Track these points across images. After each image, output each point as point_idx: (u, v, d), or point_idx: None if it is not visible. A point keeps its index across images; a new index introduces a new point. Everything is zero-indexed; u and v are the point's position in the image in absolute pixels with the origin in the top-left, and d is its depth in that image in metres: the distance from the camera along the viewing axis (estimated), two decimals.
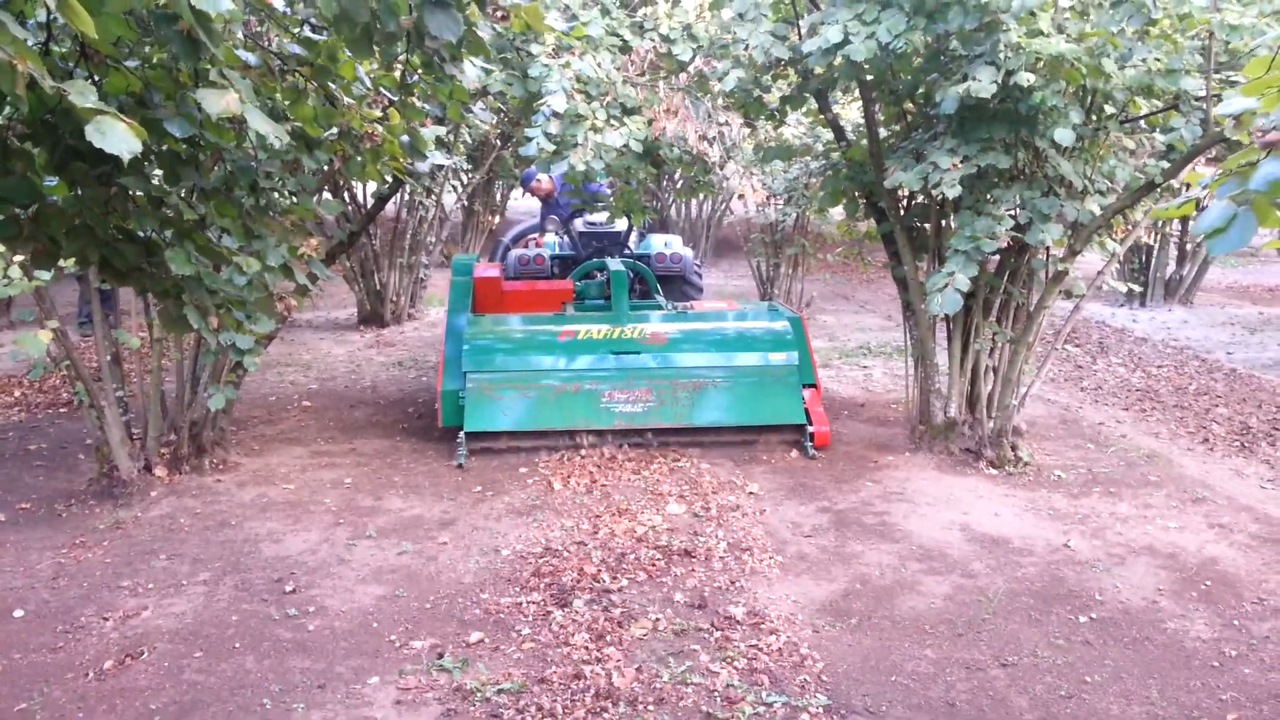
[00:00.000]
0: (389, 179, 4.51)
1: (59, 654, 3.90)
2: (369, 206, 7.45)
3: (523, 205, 21.73)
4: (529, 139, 4.63)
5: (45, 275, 4.81)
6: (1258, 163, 1.65)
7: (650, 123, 5.01)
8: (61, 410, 7.67)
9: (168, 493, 5.65)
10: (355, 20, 2.31)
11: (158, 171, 2.89)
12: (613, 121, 4.78)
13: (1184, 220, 12.26)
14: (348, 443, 6.71)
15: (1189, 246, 12.37)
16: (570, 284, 7.99)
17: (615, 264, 7.64)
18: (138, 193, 2.62)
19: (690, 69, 5.32)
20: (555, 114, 4.53)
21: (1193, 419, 7.31)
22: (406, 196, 11.17)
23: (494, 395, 6.31)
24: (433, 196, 11.55)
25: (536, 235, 9.79)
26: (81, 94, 1.78)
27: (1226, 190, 1.72)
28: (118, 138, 1.78)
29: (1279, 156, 1.64)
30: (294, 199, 3.74)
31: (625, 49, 5.35)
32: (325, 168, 3.81)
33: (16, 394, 8.11)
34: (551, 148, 4.72)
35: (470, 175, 13.14)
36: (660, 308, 7.57)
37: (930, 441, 6.35)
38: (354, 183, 10.29)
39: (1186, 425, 7.16)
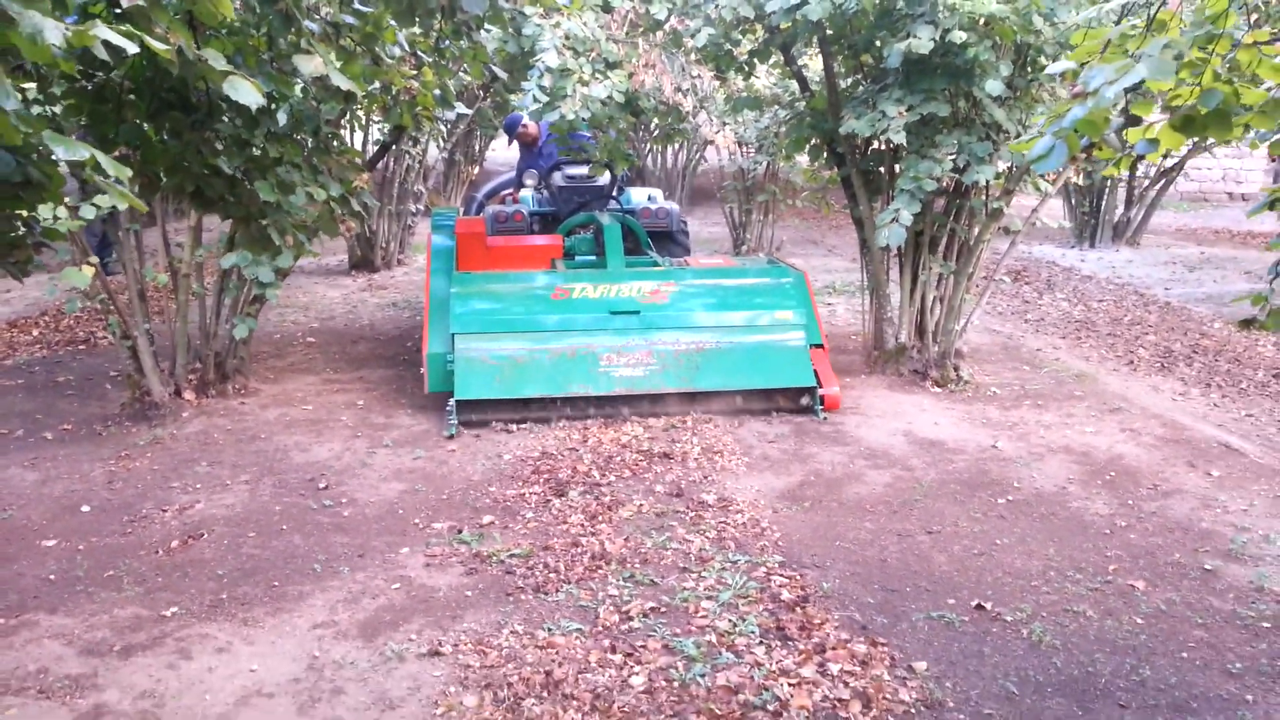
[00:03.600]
0: (410, 126, 5.07)
1: (129, 537, 4.57)
2: (371, 154, 7.98)
3: (501, 156, 22.17)
4: (524, 91, 5.25)
5: (88, 215, 5.38)
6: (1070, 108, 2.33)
7: (630, 76, 5.62)
8: (80, 347, 8.25)
9: (198, 414, 6.28)
10: None
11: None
12: (597, 75, 5.40)
13: (1132, 165, 13.01)
14: (354, 372, 7.34)
15: (1136, 191, 13.11)
16: (559, 239, 7.64)
17: (607, 218, 7.38)
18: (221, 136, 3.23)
19: (666, 27, 5.91)
20: (548, 69, 5.13)
21: (1122, 345, 8.08)
22: (395, 147, 11.68)
23: (485, 359, 5.98)
24: (418, 147, 12.06)
25: (511, 190, 9.32)
26: (215, 59, 2.38)
27: (1053, 129, 2.40)
28: (246, 92, 2.39)
29: (1083, 104, 2.31)
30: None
31: (607, 8, 5.94)
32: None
33: (34, 333, 8.68)
34: (545, 99, 5.34)
35: (452, 126, 13.64)
36: (656, 264, 7.23)
37: (883, 365, 7.07)
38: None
39: (1116, 350, 7.93)
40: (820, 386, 6.12)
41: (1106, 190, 12.90)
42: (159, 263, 6.99)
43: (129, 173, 2.11)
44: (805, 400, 6.13)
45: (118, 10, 2.82)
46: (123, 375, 6.80)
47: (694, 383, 6.06)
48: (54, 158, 1.95)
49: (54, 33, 1.75)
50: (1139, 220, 13.13)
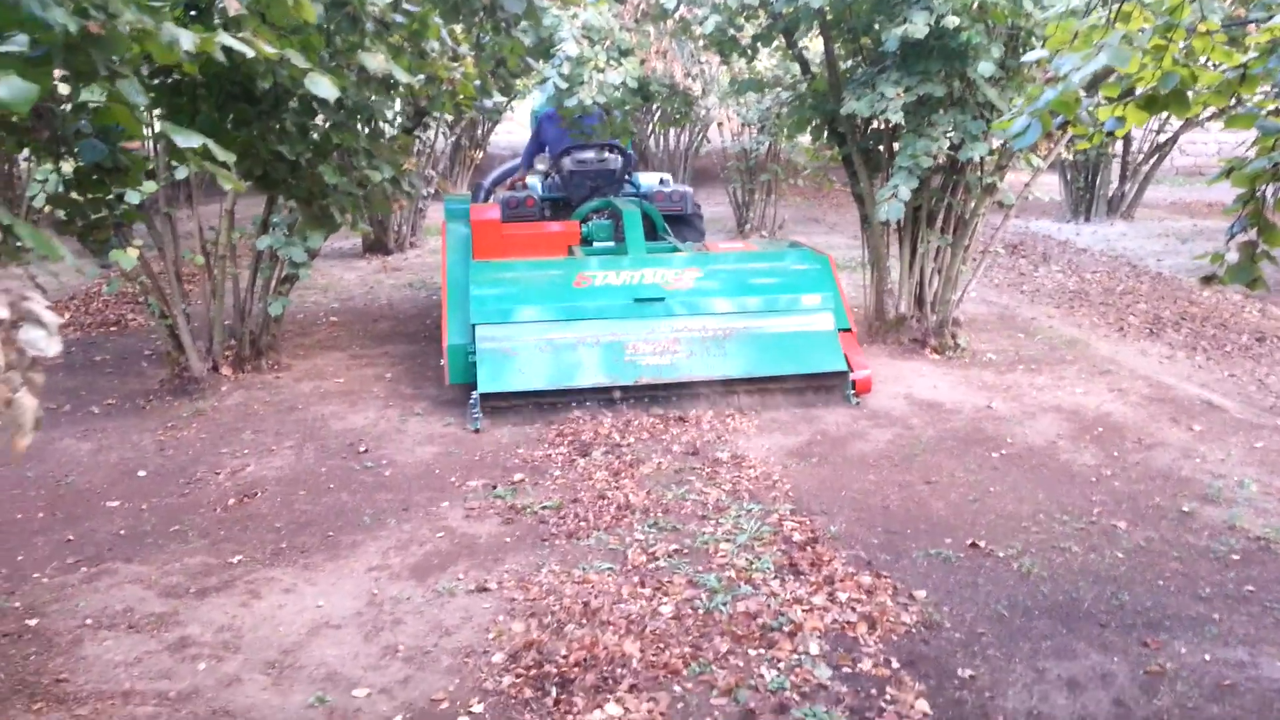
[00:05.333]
0: (451, 114, 5.37)
1: (187, 497, 4.94)
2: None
3: (504, 140, 22.47)
4: (546, 79, 5.58)
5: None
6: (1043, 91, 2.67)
7: (642, 63, 5.95)
8: (112, 329, 8.61)
9: (236, 387, 6.64)
10: None
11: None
12: (612, 62, 5.73)
13: (1126, 140, 13.33)
14: (379, 348, 7.70)
15: (1130, 166, 13.42)
16: (575, 225, 7.52)
17: (626, 203, 7.28)
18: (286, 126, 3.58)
19: (675, 15, 6.24)
20: (569, 58, 5.47)
21: (1113, 313, 8.44)
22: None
23: (508, 350, 5.85)
24: (428, 132, 12.37)
25: (518, 176, 9.12)
26: (296, 58, 2.72)
27: (1030, 109, 2.74)
28: (324, 87, 2.73)
29: (1054, 88, 2.65)
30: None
31: None
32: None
33: (66, 316, 9.03)
34: (565, 85, 5.67)
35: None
36: (677, 249, 7.07)
37: (884, 334, 7.43)
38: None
39: (1107, 318, 8.28)
40: (851, 371, 6.05)
41: (1101, 166, 13.21)
42: (194, 245, 7.34)
43: (234, 157, 2.46)
44: (839, 387, 6.05)
45: (193, 11, 3.18)
46: (158, 354, 7.16)
47: (723, 370, 5.94)
48: (177, 144, 2.28)
49: (187, 40, 2.09)
50: (1133, 194, 13.45)
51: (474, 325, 5.92)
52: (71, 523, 4.66)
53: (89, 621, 3.73)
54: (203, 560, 4.22)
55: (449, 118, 13.98)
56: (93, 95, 2.89)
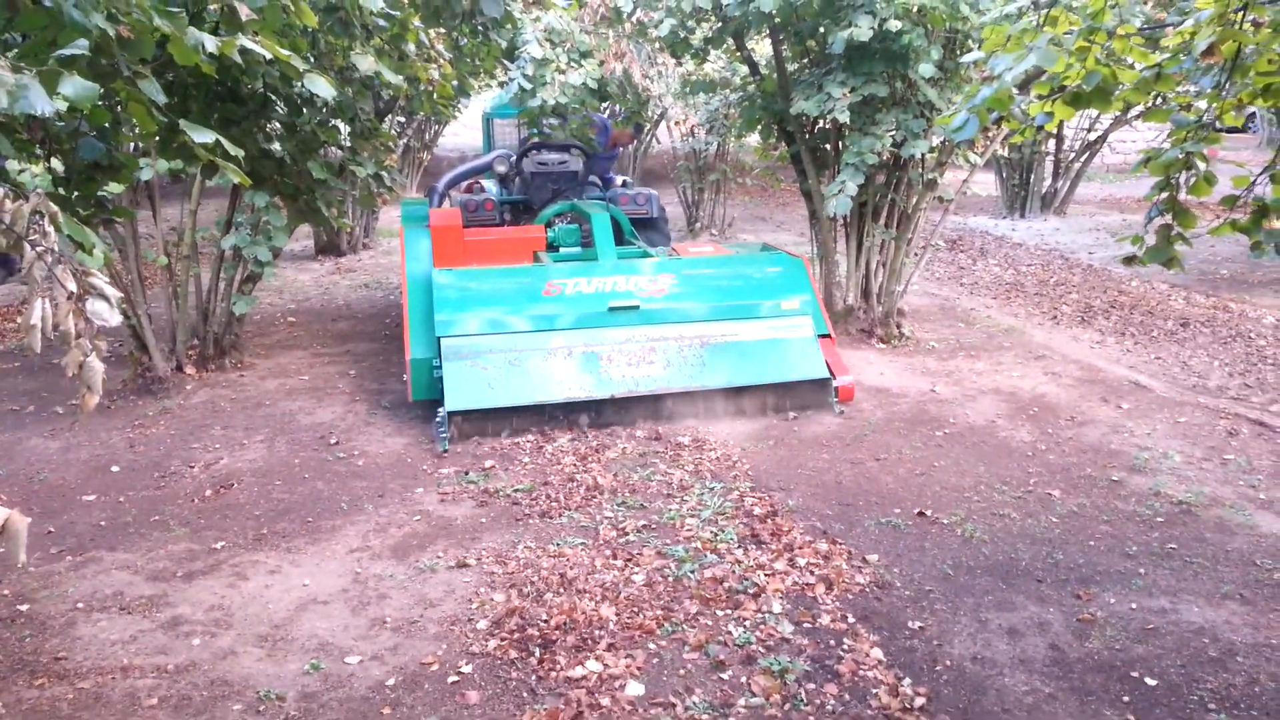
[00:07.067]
0: (431, 113, 5.47)
1: (164, 489, 5.05)
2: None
3: (451, 142, 22.51)
4: (510, 80, 5.78)
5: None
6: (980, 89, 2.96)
7: (601, 64, 6.18)
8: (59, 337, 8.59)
9: (201, 386, 6.73)
10: (432, 4, 3.42)
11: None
12: (573, 64, 5.95)
13: (1058, 139, 13.88)
14: (340, 347, 7.82)
15: (1063, 164, 13.97)
16: (540, 230, 7.26)
17: (593, 206, 7.06)
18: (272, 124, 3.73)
19: (631, 19, 6.48)
20: (532, 59, 5.67)
21: (1047, 303, 8.86)
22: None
23: (477, 365, 5.55)
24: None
25: (474, 179, 8.89)
26: (298, 60, 2.89)
27: (968, 106, 3.02)
28: (322, 86, 2.91)
29: (990, 86, 2.93)
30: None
31: (580, 3, 6.50)
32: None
33: (18, 321, 8.99)
34: (530, 87, 5.88)
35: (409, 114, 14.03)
36: (647, 255, 6.81)
37: (833, 325, 7.72)
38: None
39: (1042, 307, 8.70)
40: (834, 378, 5.92)
41: (1035, 164, 13.73)
42: (154, 246, 7.41)
43: (242, 153, 2.63)
44: (822, 394, 5.88)
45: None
46: (117, 355, 7.20)
47: (702, 381, 5.71)
48: (194, 140, 2.44)
49: (211, 43, 2.26)
50: (1065, 191, 14.00)
51: (439, 338, 5.63)
52: (50, 516, 4.75)
53: (80, 605, 3.85)
54: (186, 547, 4.36)
55: (401, 119, 14.09)
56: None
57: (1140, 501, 4.64)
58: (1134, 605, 3.71)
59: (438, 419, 5.49)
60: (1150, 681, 3.23)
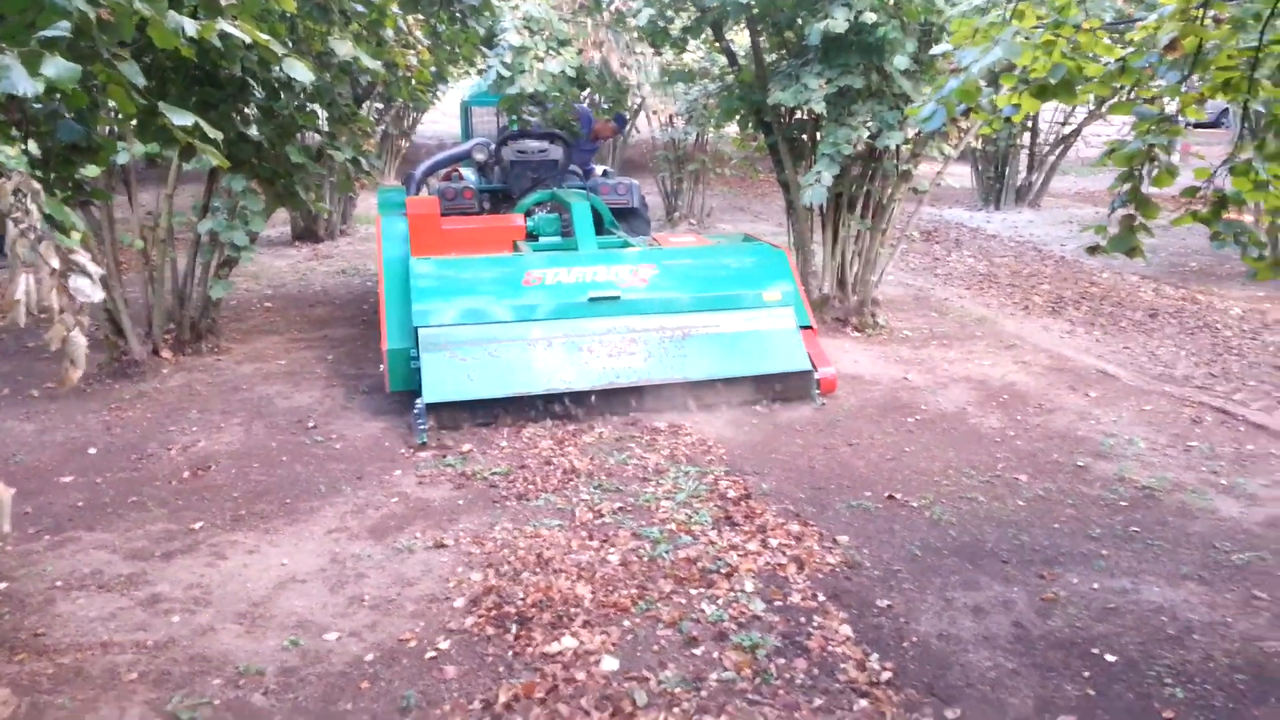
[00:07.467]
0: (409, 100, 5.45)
1: (141, 471, 5.07)
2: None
3: (429, 130, 22.45)
4: (489, 68, 5.81)
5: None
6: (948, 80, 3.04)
7: (579, 52, 6.22)
8: (42, 315, 8.54)
9: (177, 370, 6.73)
10: None
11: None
12: (551, 52, 5.99)
13: (1033, 132, 14.02)
14: (317, 332, 7.83)
15: (1037, 157, 14.13)
16: (520, 219, 7.19)
17: (573, 195, 6.98)
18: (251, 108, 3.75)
19: (610, 8, 6.53)
20: (511, 47, 5.70)
21: (1019, 294, 8.98)
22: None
23: (455, 356, 5.50)
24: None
25: (452, 167, 8.76)
26: (276, 45, 2.92)
27: (936, 97, 3.10)
28: (300, 71, 2.94)
29: (957, 78, 3.01)
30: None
31: None
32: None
33: None
34: (508, 74, 5.92)
35: (387, 101, 13.99)
36: (628, 244, 6.71)
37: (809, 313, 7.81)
38: None
39: (1014, 298, 8.83)
40: (815, 370, 5.92)
41: (1010, 156, 13.88)
42: (130, 230, 7.37)
43: (221, 135, 2.66)
44: (804, 386, 5.88)
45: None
46: (93, 339, 7.16)
47: (684, 372, 5.67)
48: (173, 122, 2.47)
49: (190, 27, 2.29)
50: (1039, 184, 14.16)
51: (417, 328, 5.57)
52: (26, 497, 4.75)
53: (59, 584, 3.87)
54: (164, 527, 4.38)
55: (379, 106, 14.07)
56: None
57: (1105, 486, 4.75)
58: (1096, 585, 3.81)
59: (415, 411, 5.44)
60: (1110, 658, 3.33)
